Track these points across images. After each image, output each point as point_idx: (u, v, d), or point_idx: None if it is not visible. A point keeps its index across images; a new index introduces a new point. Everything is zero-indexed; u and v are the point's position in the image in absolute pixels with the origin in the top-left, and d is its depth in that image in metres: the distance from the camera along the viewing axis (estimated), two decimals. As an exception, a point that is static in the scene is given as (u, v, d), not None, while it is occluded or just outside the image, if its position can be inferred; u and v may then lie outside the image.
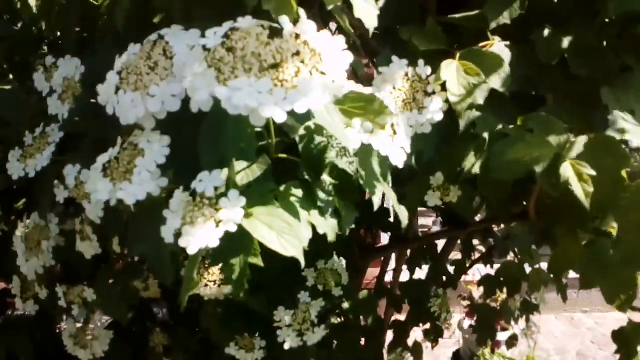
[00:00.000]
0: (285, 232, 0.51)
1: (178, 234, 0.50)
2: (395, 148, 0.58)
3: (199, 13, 0.66)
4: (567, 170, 0.63)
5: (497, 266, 1.53)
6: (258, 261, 0.54)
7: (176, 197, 0.52)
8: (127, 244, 0.61)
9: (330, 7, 0.56)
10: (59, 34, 1.27)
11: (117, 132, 0.82)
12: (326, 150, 0.59)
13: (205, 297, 1.00)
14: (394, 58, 0.69)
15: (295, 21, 0.54)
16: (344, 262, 1.00)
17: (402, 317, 1.49)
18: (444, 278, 1.48)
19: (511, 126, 0.72)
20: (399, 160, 0.58)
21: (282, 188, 0.57)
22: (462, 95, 0.68)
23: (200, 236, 0.47)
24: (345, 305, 1.29)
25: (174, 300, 1.03)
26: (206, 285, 1.00)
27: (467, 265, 1.55)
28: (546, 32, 0.75)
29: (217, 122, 0.54)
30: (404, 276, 1.53)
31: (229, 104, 0.46)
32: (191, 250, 0.47)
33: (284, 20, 0.52)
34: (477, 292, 1.81)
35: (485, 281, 1.50)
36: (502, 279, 1.47)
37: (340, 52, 0.50)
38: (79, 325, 1.06)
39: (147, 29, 0.87)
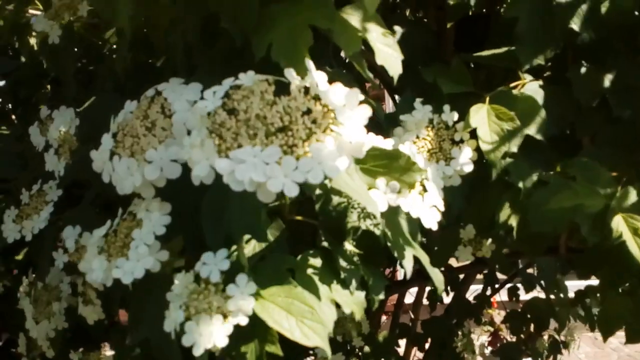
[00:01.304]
0: (306, 317, 0.44)
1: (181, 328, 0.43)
2: (427, 208, 0.51)
3: (202, 63, 0.60)
4: (619, 224, 0.56)
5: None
6: (276, 350, 0.47)
7: (179, 282, 0.46)
8: (128, 326, 0.54)
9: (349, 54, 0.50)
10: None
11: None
12: (347, 212, 0.53)
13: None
14: (417, 104, 0.63)
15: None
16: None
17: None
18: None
19: (546, 173, 0.65)
20: (432, 222, 0.51)
21: (298, 258, 0.50)
22: (495, 142, 0.61)
23: (207, 335, 0.41)
24: (366, 349, 1.23)
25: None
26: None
27: (488, 295, 1.48)
28: (583, 69, 0.68)
29: (220, 195, 0.48)
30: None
31: (232, 179, 0.40)
32: (197, 353, 0.41)
33: (291, 74, 0.46)
34: (498, 317, 1.73)
35: (511, 317, 1.43)
36: (528, 315, 1.39)
37: (357, 106, 0.44)
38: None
39: (149, 74, 0.83)
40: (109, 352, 1.03)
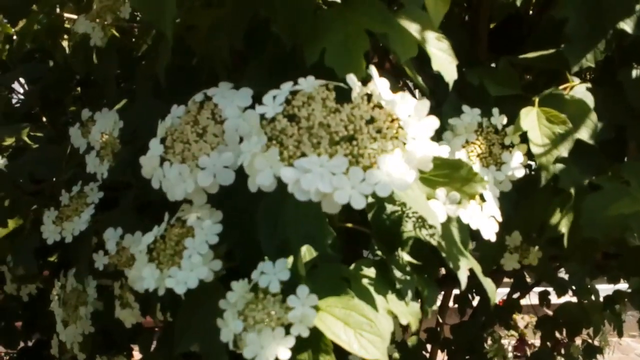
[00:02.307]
0: (364, 329, 0.44)
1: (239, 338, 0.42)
2: (486, 219, 0.50)
3: (250, 69, 0.59)
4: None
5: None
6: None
7: (235, 290, 0.45)
8: (174, 334, 0.53)
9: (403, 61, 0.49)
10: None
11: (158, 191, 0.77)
12: (401, 221, 0.51)
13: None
14: (465, 108, 0.61)
15: (363, 80, 0.47)
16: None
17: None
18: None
19: (597, 177, 0.63)
20: (491, 233, 0.50)
21: (352, 267, 0.50)
22: (546, 146, 0.60)
23: (270, 348, 0.40)
24: (396, 355, 1.22)
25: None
26: None
27: (516, 298, 1.46)
28: (635, 72, 0.67)
29: (275, 202, 0.47)
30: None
31: (297, 189, 0.39)
32: (258, 365, 0.40)
33: (352, 80, 0.45)
34: (522, 321, 1.71)
35: (543, 323, 1.40)
36: (561, 320, 1.37)
37: (425, 117, 0.43)
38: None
39: (189, 79, 0.82)
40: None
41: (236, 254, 0.55)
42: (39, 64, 1.31)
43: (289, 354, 0.40)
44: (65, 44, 1.25)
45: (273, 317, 0.42)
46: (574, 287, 1.40)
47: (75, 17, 1.10)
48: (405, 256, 0.50)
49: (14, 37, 1.22)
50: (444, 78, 0.51)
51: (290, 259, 0.45)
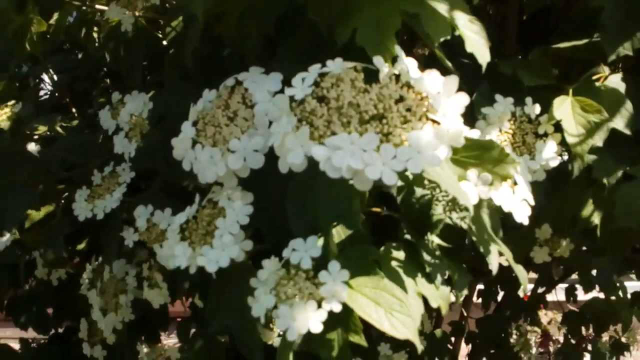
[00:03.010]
0: (394, 309, 0.44)
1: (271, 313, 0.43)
2: (519, 202, 0.50)
3: (280, 53, 0.59)
4: None
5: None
6: (360, 340, 0.46)
7: (266, 268, 0.46)
8: (207, 313, 0.54)
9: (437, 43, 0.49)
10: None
11: (186, 174, 0.78)
12: (430, 204, 0.51)
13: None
14: (498, 97, 0.61)
15: (393, 60, 0.47)
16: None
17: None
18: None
19: (631, 168, 0.62)
20: (523, 217, 0.50)
21: (381, 250, 0.50)
22: (581, 135, 0.59)
23: (302, 320, 0.40)
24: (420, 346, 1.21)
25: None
26: (279, 335, 0.94)
27: (542, 293, 1.44)
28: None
29: (306, 182, 0.48)
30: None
31: (329, 166, 0.39)
32: (291, 337, 0.40)
33: (380, 61, 0.45)
34: (545, 317, 1.69)
35: (569, 319, 1.38)
36: (587, 316, 1.35)
37: (454, 94, 0.43)
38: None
39: (218, 67, 0.83)
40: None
41: (265, 236, 0.55)
42: (68, 55, 1.34)
43: (320, 327, 0.40)
44: (95, 36, 1.27)
45: (305, 293, 0.42)
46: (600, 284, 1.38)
47: (106, 8, 1.13)
48: (435, 239, 0.50)
49: (48, 35, 1.25)
50: (478, 60, 0.50)
51: (321, 239, 0.45)
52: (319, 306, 0.41)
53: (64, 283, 1.09)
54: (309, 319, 0.40)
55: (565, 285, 1.50)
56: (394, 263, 0.49)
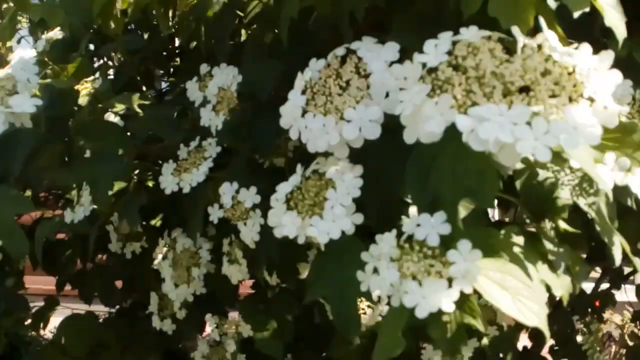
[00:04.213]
0: (522, 294, 0.41)
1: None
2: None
3: (396, 26, 0.57)
4: None
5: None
6: (476, 324, 0.44)
7: (385, 242, 0.44)
8: (307, 283, 0.53)
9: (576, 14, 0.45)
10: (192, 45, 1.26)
11: (270, 149, 0.77)
12: (554, 188, 0.48)
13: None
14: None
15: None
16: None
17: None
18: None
19: None
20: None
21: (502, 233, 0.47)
22: None
23: (434, 297, 0.38)
24: (484, 341, 1.18)
25: (304, 323, 0.96)
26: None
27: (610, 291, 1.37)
28: None
29: (429, 156, 0.45)
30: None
31: (473, 138, 0.37)
32: (421, 315, 0.38)
33: (517, 31, 0.43)
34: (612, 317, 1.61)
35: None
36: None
37: (607, 70, 0.40)
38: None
39: (307, 39, 0.81)
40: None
41: (368, 212, 0.53)
42: (137, 35, 1.35)
43: (453, 306, 0.38)
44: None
45: (432, 270, 0.40)
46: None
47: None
48: (561, 223, 0.47)
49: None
50: (615, 35, 0.47)
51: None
52: (450, 285, 0.39)
53: (135, 257, 1.10)
54: (442, 298, 0.38)
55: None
56: (516, 249, 0.47)
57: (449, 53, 0.43)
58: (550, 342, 1.34)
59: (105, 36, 1.35)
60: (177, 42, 1.37)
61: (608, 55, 0.40)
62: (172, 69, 1.42)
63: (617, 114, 0.38)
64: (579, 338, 1.33)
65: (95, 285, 1.21)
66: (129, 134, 0.92)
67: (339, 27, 0.71)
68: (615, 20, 0.47)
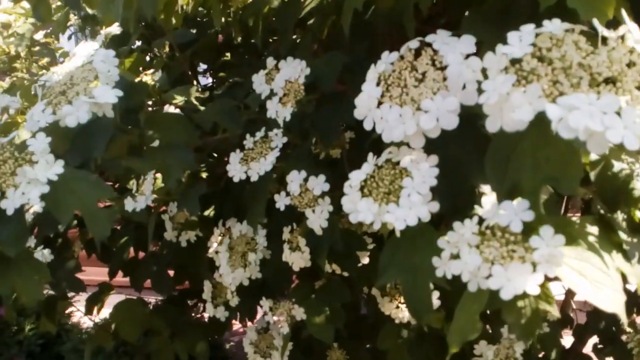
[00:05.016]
0: (600, 281, 0.42)
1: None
2: None
3: (471, 19, 0.58)
4: None
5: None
6: (552, 310, 0.45)
7: (464, 228, 0.45)
8: (379, 267, 0.55)
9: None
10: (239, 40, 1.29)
11: (333, 138, 0.79)
12: (630, 179, 0.49)
13: (397, 319, 0.94)
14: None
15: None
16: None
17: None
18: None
19: None
20: None
21: (577, 222, 0.48)
22: None
23: (519, 280, 0.40)
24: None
25: (350, 314, 0.97)
26: (397, 307, 0.95)
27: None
28: None
29: (509, 144, 0.47)
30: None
31: (562, 126, 0.38)
32: (506, 296, 0.40)
33: (598, 24, 0.44)
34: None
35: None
36: None
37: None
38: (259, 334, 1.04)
39: (366, 31, 0.83)
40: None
41: (442, 200, 0.55)
42: (188, 30, 1.38)
43: (538, 289, 0.39)
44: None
45: (515, 255, 0.41)
46: None
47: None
48: (638, 214, 0.48)
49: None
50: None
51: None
52: (534, 269, 0.41)
53: (189, 245, 1.13)
54: (527, 281, 0.40)
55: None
56: (591, 238, 0.47)
57: (533, 44, 0.44)
58: (593, 340, 1.33)
59: (155, 31, 1.39)
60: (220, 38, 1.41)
61: (696, 48, 0.40)
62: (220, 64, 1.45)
63: None
64: (624, 337, 1.31)
65: (148, 273, 1.25)
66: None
67: (401, 19, 0.73)
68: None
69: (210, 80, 1.51)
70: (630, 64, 0.41)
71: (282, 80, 0.77)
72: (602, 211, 0.50)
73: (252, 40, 1.19)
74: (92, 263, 1.36)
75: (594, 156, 0.50)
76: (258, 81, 0.81)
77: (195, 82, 1.41)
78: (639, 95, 0.39)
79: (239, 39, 1.27)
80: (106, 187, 0.62)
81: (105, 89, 0.63)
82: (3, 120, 0.78)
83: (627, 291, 0.45)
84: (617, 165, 0.50)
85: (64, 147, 0.67)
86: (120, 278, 1.30)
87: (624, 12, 0.44)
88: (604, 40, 0.43)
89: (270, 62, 0.81)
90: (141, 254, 1.29)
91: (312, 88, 0.78)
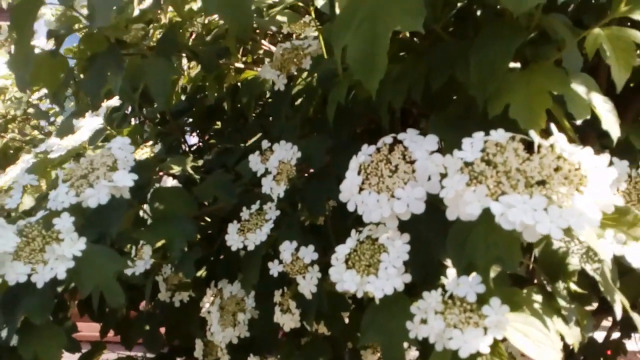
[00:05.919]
0: (541, 342, 0.52)
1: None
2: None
3: (435, 121, 0.70)
4: None
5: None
6: (504, 365, 0.55)
7: (431, 298, 0.55)
8: (361, 330, 0.64)
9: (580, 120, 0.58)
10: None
11: (321, 211, 0.89)
12: (566, 255, 0.60)
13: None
14: (615, 160, 0.69)
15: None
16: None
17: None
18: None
19: None
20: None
21: (524, 292, 0.58)
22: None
23: (473, 342, 0.49)
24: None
25: None
26: (379, 358, 1.02)
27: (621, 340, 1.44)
28: None
29: (465, 229, 0.57)
30: None
31: (503, 219, 0.49)
32: (464, 355, 0.49)
33: (533, 135, 0.55)
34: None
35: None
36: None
37: (605, 168, 0.52)
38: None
39: (349, 120, 0.95)
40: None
41: (413, 272, 0.65)
42: (180, 100, 1.50)
43: (488, 349, 0.49)
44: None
45: (470, 321, 0.51)
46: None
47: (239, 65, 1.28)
48: (572, 285, 0.59)
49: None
50: (611, 135, 0.60)
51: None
52: (485, 333, 0.50)
53: (182, 305, 1.20)
54: (480, 343, 0.49)
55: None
56: (536, 305, 0.58)
57: (482, 150, 0.55)
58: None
59: (146, 98, 1.50)
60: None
61: (606, 157, 0.52)
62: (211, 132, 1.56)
63: (612, 202, 0.50)
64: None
65: (140, 332, 1.31)
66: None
67: (377, 111, 0.84)
68: (611, 124, 0.60)
69: (197, 139, 1.61)
70: (558, 169, 0.52)
71: (276, 161, 0.87)
72: (544, 282, 0.60)
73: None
74: (80, 317, 1.41)
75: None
76: (254, 160, 0.91)
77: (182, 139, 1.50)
78: (563, 195, 0.50)
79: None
80: (122, 260, 0.71)
81: (123, 174, 0.73)
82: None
83: (566, 349, 0.55)
84: (556, 244, 0.61)
85: (78, 222, 0.76)
86: (111, 334, 1.36)
87: (552, 126, 0.55)
88: (539, 147, 0.54)
89: (265, 144, 0.92)
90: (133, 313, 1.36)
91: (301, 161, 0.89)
